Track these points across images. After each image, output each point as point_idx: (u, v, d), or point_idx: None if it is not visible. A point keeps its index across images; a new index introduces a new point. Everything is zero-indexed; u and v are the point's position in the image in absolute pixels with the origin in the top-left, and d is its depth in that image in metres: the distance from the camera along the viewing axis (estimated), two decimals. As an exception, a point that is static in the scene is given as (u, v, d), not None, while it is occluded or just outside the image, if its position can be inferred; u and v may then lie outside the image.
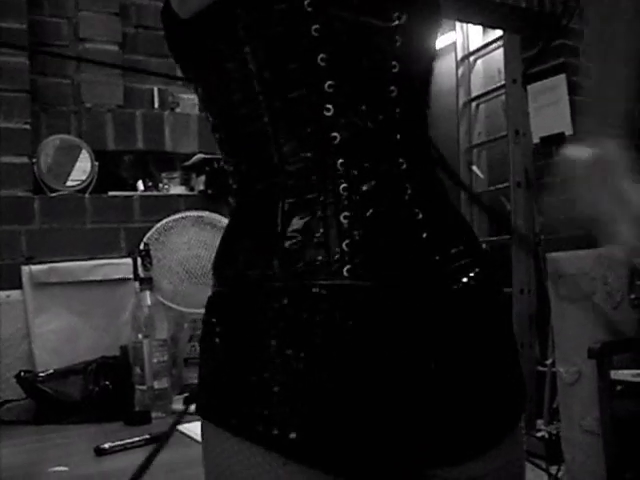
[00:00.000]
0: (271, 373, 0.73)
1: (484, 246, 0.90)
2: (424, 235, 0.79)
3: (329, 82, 0.75)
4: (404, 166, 0.79)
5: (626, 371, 2.63)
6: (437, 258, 0.80)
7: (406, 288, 0.77)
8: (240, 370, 0.76)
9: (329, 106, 0.75)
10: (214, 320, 0.81)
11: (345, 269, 0.74)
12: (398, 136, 0.79)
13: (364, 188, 0.76)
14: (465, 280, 0.81)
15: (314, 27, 0.74)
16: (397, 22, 0.79)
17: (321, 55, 0.75)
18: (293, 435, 0.72)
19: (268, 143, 0.77)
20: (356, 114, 0.77)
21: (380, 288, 0.76)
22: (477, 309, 0.82)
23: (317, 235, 0.75)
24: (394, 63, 0.79)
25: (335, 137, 0.75)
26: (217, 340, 0.79)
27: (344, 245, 0.74)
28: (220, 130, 0.84)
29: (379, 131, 0.78)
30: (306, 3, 0.74)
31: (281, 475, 0.73)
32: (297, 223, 0.75)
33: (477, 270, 0.83)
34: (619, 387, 2.61)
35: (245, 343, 0.76)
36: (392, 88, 0.79)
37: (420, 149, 0.85)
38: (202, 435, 0.81)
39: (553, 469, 3.08)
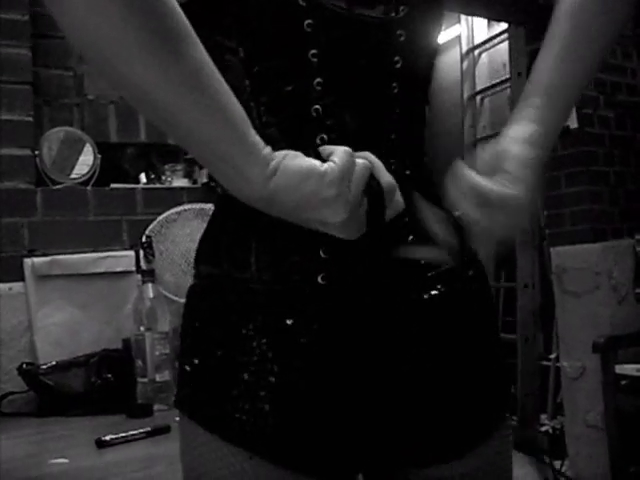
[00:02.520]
0: (242, 371, 0.74)
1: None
2: (410, 239, 0.77)
3: (318, 79, 0.73)
4: (393, 167, 0.76)
5: (630, 365, 2.63)
6: (422, 263, 0.78)
7: (384, 292, 0.76)
8: (212, 366, 0.77)
9: (317, 106, 0.73)
10: (190, 314, 0.81)
11: (320, 276, 0.73)
12: (393, 135, 0.77)
13: None
14: (445, 286, 0.79)
15: (307, 22, 0.72)
16: (397, 15, 0.76)
17: (312, 51, 0.72)
18: (260, 431, 0.73)
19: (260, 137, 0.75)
20: (346, 114, 0.74)
21: (355, 292, 0.75)
22: (453, 314, 0.80)
23: (294, 238, 0.73)
24: (397, 58, 0.76)
25: (323, 138, 0.73)
26: (192, 334, 0.80)
27: (322, 250, 0.73)
28: None
29: (372, 131, 0.76)
30: None
31: (246, 469, 0.73)
32: None
33: (461, 275, 0.81)
34: (623, 382, 2.60)
35: (217, 340, 0.76)
36: (394, 85, 0.76)
37: (414, 148, 0.82)
38: (179, 427, 0.82)
39: (557, 463, 3.07)
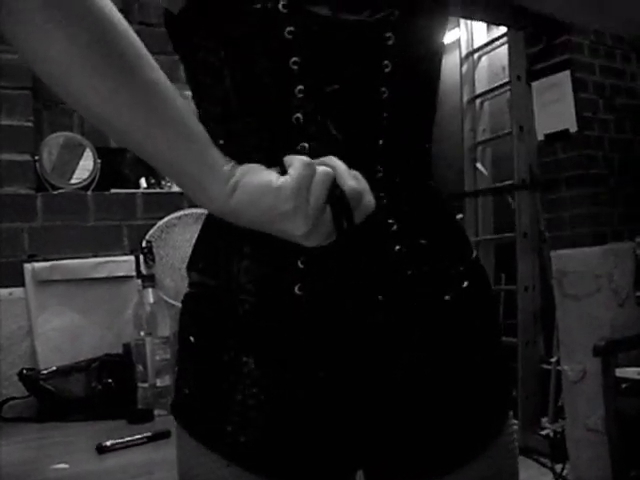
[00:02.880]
0: (226, 379, 0.74)
1: (474, 255, 0.90)
2: (397, 248, 0.75)
3: (300, 87, 0.71)
4: (380, 174, 0.74)
5: (631, 369, 2.62)
6: (409, 273, 0.76)
7: (366, 298, 0.74)
8: (199, 373, 0.77)
9: (298, 114, 0.71)
10: (184, 321, 0.82)
11: (297, 287, 0.73)
12: (381, 141, 0.75)
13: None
14: (447, 293, 0.78)
15: (288, 29, 0.70)
16: (386, 18, 0.73)
17: (294, 59, 0.70)
18: (249, 443, 0.73)
19: (240, 146, 0.73)
20: (329, 121, 0.72)
21: (333, 300, 0.74)
22: (455, 321, 0.79)
23: (274, 248, 0.73)
24: (386, 62, 0.73)
25: (304, 147, 0.71)
26: (184, 341, 0.81)
27: (300, 260, 0.73)
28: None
29: (357, 138, 0.74)
30: (281, 5, 0.69)
31: (226, 476, 0.74)
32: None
33: (462, 281, 0.80)
34: (624, 385, 2.60)
35: (205, 348, 0.77)
36: (383, 89, 0.74)
37: (408, 156, 0.79)
38: (175, 433, 0.82)
39: (558, 467, 3.07)
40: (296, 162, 0.65)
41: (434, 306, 0.78)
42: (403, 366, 0.76)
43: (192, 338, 0.79)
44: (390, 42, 0.74)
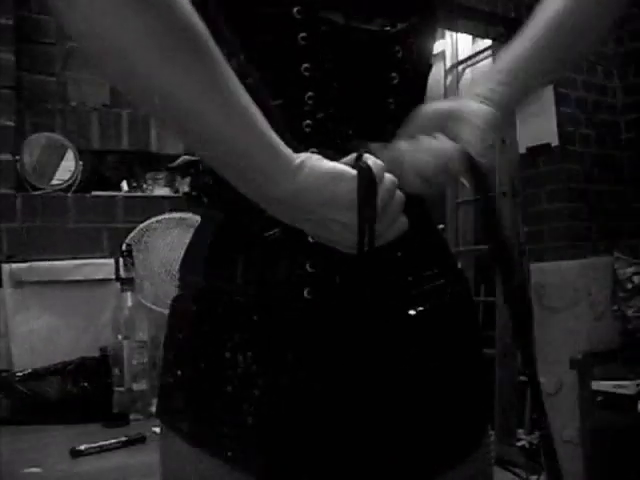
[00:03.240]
0: (226, 383, 0.73)
1: (459, 265, 0.93)
2: (399, 254, 0.77)
3: (310, 93, 0.72)
4: None
5: (607, 382, 2.64)
6: (410, 279, 0.78)
7: (368, 309, 0.75)
8: (195, 378, 0.76)
9: (308, 120, 0.72)
10: (174, 324, 0.81)
11: (306, 290, 0.73)
12: None
13: None
14: (429, 304, 0.79)
15: (301, 35, 0.70)
16: (395, 29, 0.75)
17: (305, 65, 0.71)
18: (242, 444, 0.73)
19: None
20: (337, 130, 0.73)
21: (341, 305, 0.74)
22: (437, 332, 0.80)
23: (281, 251, 0.73)
24: (393, 74, 0.75)
25: (314, 152, 0.70)
26: (176, 345, 0.80)
27: (308, 264, 0.73)
28: None
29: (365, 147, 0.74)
30: (295, 10, 0.70)
31: (221, 477, 0.74)
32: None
33: (444, 292, 0.81)
34: (600, 398, 2.62)
35: (201, 352, 0.76)
36: (390, 101, 0.76)
37: None
38: (160, 437, 0.82)
39: (533, 479, 3.08)
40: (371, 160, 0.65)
41: (417, 319, 0.78)
42: (395, 375, 0.76)
43: (188, 338, 0.78)
44: (399, 55, 0.75)
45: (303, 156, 0.64)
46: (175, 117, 0.62)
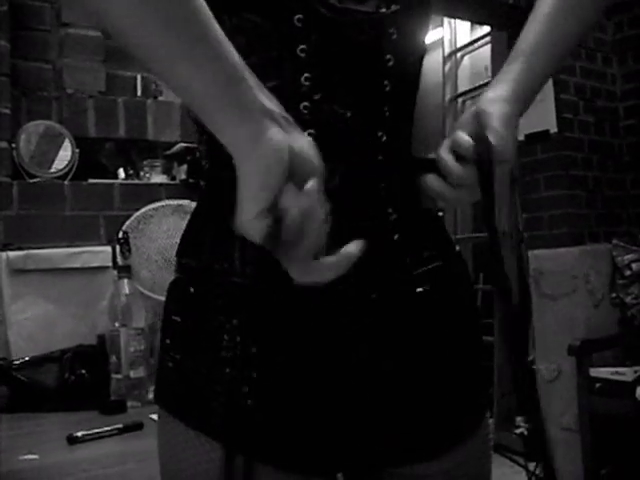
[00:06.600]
0: (225, 366, 0.73)
1: (457, 248, 0.92)
2: (396, 237, 0.77)
3: (306, 74, 0.72)
4: (380, 160, 0.76)
5: (605, 369, 2.65)
6: (408, 261, 0.78)
7: (368, 291, 0.75)
8: (194, 361, 0.76)
9: (306, 102, 0.72)
10: (172, 308, 0.81)
11: None
12: (380, 133, 0.76)
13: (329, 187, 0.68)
14: (428, 285, 0.79)
15: (297, 17, 0.70)
16: (390, 10, 0.75)
17: (301, 46, 0.71)
18: (242, 427, 0.73)
19: None
20: (334, 111, 0.73)
21: (339, 288, 0.72)
22: (437, 313, 0.80)
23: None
24: (388, 57, 0.75)
25: (311, 134, 0.71)
26: (174, 329, 0.80)
27: None
28: None
29: (361, 129, 0.75)
30: None
31: (216, 459, 0.73)
32: None
33: (443, 274, 0.81)
34: (598, 385, 2.62)
35: (200, 335, 0.76)
36: (385, 83, 0.76)
37: (402, 147, 0.81)
38: (158, 422, 0.81)
39: (531, 466, 3.09)
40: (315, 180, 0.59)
41: (417, 299, 0.79)
42: (391, 357, 0.76)
43: (185, 321, 0.78)
44: (393, 37, 0.75)
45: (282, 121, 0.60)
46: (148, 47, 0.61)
